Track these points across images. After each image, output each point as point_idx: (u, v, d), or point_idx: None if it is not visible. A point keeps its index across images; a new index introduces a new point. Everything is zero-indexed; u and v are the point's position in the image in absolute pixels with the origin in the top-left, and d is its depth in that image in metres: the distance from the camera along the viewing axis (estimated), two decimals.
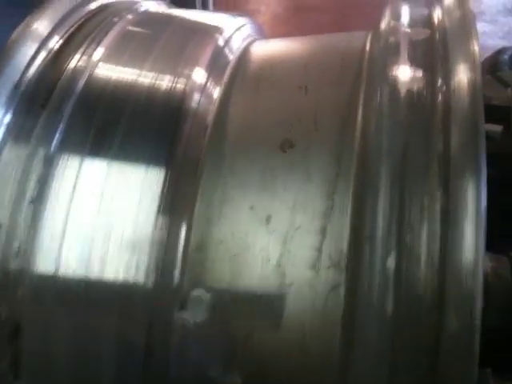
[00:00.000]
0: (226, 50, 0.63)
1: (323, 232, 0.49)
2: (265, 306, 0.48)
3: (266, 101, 0.58)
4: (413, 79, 0.52)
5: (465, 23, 0.55)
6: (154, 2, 0.74)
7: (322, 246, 0.48)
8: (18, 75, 0.56)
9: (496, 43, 2.24)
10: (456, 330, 0.43)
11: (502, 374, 0.70)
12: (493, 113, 0.94)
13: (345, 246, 0.48)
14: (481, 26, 2.44)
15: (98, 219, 0.51)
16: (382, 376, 0.44)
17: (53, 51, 0.59)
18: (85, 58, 0.59)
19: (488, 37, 2.35)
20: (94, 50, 0.60)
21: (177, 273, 0.49)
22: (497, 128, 0.94)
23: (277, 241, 0.49)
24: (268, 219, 0.50)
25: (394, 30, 0.58)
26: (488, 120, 0.94)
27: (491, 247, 0.66)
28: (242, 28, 0.69)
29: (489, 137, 0.93)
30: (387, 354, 0.44)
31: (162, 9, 0.74)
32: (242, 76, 0.60)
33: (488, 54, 1.77)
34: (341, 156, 0.51)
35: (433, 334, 0.43)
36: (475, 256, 0.43)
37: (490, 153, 0.91)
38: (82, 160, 0.53)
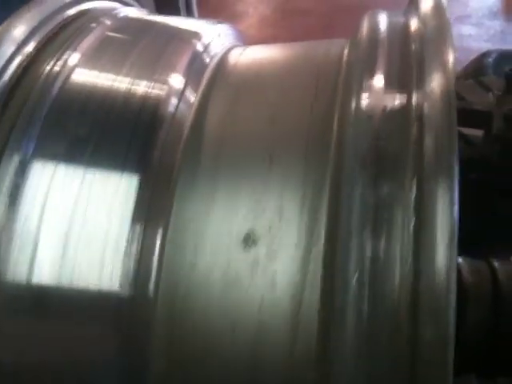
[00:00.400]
0: (205, 56, 0.63)
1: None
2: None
3: (243, 109, 0.58)
4: (388, 87, 0.52)
5: (441, 33, 0.55)
6: (134, 9, 0.74)
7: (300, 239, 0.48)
8: None
9: (481, 46, 2.26)
10: (430, 340, 0.43)
11: (485, 377, 0.71)
12: (474, 117, 0.95)
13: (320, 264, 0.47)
14: (466, 29, 2.45)
15: (72, 227, 0.50)
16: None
17: (29, 56, 0.58)
18: (60, 63, 0.58)
19: (473, 40, 2.37)
20: (70, 55, 0.59)
21: (151, 283, 0.49)
22: (478, 133, 0.94)
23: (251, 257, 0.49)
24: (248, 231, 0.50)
25: (371, 37, 0.58)
26: (469, 125, 0.95)
27: (470, 252, 0.66)
28: (222, 34, 0.69)
29: (470, 141, 0.94)
30: (363, 368, 0.44)
31: (142, 15, 0.73)
32: (220, 83, 0.60)
33: (473, 56, 1.78)
34: (313, 169, 0.51)
35: (409, 346, 0.43)
36: (448, 264, 0.44)
37: (471, 158, 0.92)
38: (55, 167, 0.52)
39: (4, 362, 0.51)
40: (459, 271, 0.59)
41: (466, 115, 0.97)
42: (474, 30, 2.46)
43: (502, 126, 0.82)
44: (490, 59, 2.09)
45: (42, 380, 0.51)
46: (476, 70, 1.91)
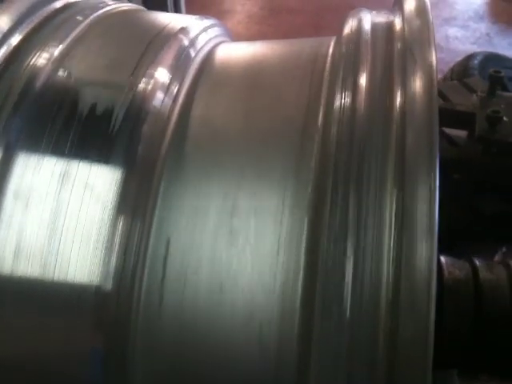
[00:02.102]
0: (191, 51, 0.63)
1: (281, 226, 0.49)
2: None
3: (227, 104, 0.58)
4: (371, 86, 0.52)
5: (424, 33, 0.56)
6: (122, 3, 0.73)
7: (280, 246, 0.49)
8: None
9: (467, 48, 2.28)
10: (410, 334, 0.44)
11: (469, 374, 0.72)
12: (458, 118, 0.96)
13: (302, 251, 0.48)
14: (453, 31, 2.47)
15: (56, 219, 0.50)
16: (339, 378, 0.45)
17: (13, 48, 0.58)
18: (45, 55, 0.58)
19: (459, 42, 2.39)
20: (56, 47, 0.59)
21: (136, 276, 0.49)
22: (461, 133, 0.95)
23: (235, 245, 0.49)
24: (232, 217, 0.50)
25: (355, 36, 0.59)
26: (453, 125, 0.96)
27: (454, 252, 0.67)
28: (209, 29, 0.69)
29: (453, 142, 0.95)
30: (344, 357, 0.45)
31: (129, 9, 0.73)
32: (205, 78, 0.60)
33: (459, 58, 1.79)
34: (301, 158, 0.51)
35: (388, 339, 0.44)
36: (428, 261, 0.44)
37: (454, 158, 0.93)
38: (39, 159, 0.52)
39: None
40: (440, 268, 0.60)
41: (450, 116, 0.98)
42: (461, 32, 2.48)
43: (485, 127, 0.83)
44: (476, 61, 2.10)
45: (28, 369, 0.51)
46: (462, 72, 1.91)
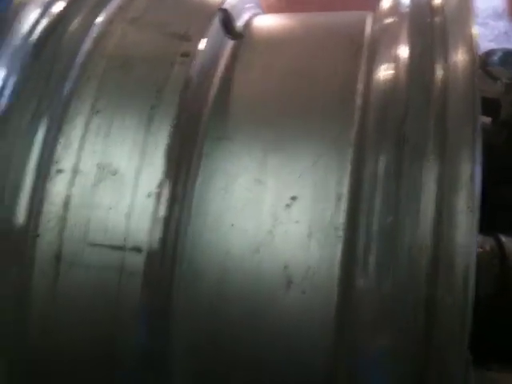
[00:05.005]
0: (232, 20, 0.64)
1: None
2: None
3: (267, 71, 0.59)
4: (412, 59, 0.53)
5: (463, 7, 0.56)
6: None
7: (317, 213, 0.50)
8: (23, 37, 0.56)
9: (485, 45, 2.27)
10: (450, 304, 0.44)
11: (483, 363, 0.72)
12: (482, 105, 0.96)
13: (342, 216, 0.49)
14: None
15: (103, 181, 0.51)
16: (380, 341, 0.45)
17: (56, 15, 0.59)
18: (87, 23, 0.59)
19: (478, 39, 2.38)
20: (97, 15, 0.60)
21: (180, 234, 0.50)
22: (486, 120, 0.96)
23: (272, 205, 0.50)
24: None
25: (393, 10, 0.60)
26: None
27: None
28: (246, 2, 0.70)
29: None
30: (383, 323, 0.45)
31: None
32: (245, 45, 0.61)
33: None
34: (341, 124, 0.52)
35: (427, 307, 0.45)
36: (469, 233, 0.45)
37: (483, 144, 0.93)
38: (85, 125, 0.53)
39: None
40: None
41: None
42: (480, 30, 2.47)
43: (510, 112, 0.84)
44: (496, 57, 2.11)
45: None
46: (482, 66, 1.92)
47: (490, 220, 0.87)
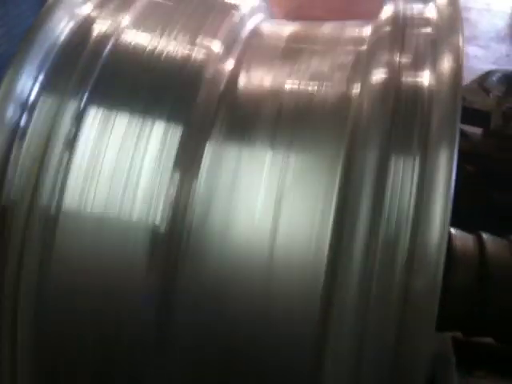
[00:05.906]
0: (241, 26, 0.69)
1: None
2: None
3: (272, 74, 0.63)
4: (403, 67, 0.58)
5: (453, 20, 0.61)
6: None
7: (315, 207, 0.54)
8: (52, 39, 0.62)
9: (486, 67, 2.31)
10: (420, 288, 0.48)
11: (469, 369, 0.75)
12: (474, 116, 1.01)
13: (332, 207, 0.53)
14: (473, 50, 2.52)
15: (120, 168, 0.56)
16: (355, 326, 0.50)
17: (85, 17, 0.65)
18: (114, 24, 0.64)
19: (479, 61, 2.43)
20: (123, 17, 0.65)
21: (186, 217, 0.55)
22: (477, 130, 1.00)
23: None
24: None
25: (390, 21, 0.64)
26: (469, 122, 1.01)
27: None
28: (256, 8, 0.75)
29: (468, 138, 1.00)
30: (363, 303, 0.50)
31: None
32: (252, 49, 0.66)
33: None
34: (337, 124, 0.57)
35: (402, 291, 0.49)
36: (442, 226, 0.49)
37: (470, 152, 0.97)
38: (108, 116, 0.58)
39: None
40: (450, 239, 0.65)
41: (467, 113, 1.03)
42: (481, 52, 2.52)
43: (501, 123, 0.88)
44: (494, 78, 2.15)
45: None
46: (479, 85, 1.96)
47: (476, 224, 0.91)
